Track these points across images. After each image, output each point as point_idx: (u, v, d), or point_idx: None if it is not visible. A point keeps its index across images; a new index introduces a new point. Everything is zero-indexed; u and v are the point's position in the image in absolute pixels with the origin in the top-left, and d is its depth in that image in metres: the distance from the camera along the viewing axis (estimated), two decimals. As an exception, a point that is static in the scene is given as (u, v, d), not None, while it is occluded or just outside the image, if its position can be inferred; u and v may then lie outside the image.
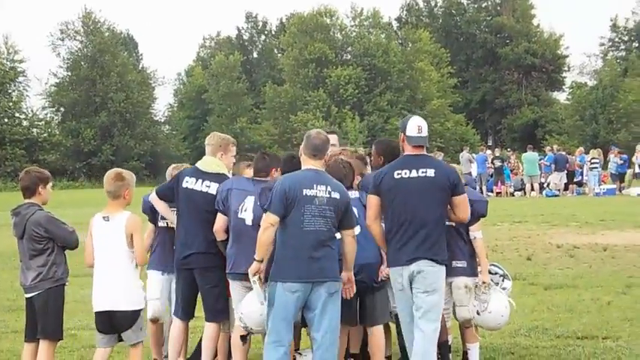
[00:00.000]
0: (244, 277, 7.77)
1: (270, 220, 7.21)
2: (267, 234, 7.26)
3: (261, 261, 7.39)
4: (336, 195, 7.34)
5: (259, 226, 7.43)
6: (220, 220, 8.27)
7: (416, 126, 7.79)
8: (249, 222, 7.97)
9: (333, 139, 9.09)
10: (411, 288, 7.51)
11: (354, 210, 8.01)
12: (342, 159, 8.55)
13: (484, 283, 8.50)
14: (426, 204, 7.53)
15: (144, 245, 7.96)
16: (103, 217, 7.84)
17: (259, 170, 8.28)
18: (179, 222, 8.60)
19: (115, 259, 7.74)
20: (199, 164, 8.73)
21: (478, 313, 8.50)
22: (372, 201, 7.65)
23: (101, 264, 7.83)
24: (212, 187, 8.45)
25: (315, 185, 7.29)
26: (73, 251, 8.16)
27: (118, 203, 7.85)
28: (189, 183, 8.53)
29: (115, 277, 7.73)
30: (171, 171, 9.51)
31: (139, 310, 7.93)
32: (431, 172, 7.59)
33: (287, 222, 7.22)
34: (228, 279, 8.21)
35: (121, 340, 7.95)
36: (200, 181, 8.50)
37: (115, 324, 7.79)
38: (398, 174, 7.57)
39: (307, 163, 7.52)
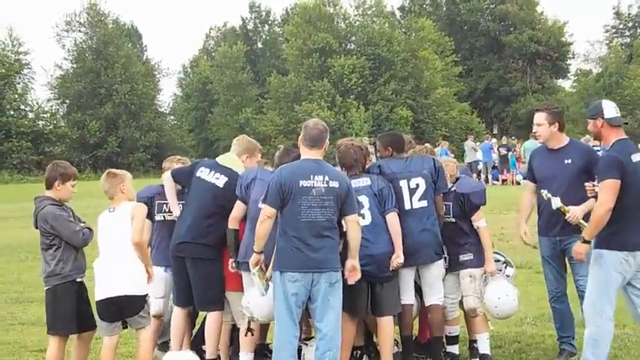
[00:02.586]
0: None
1: (267, 212, 7.28)
2: (265, 226, 7.32)
3: (261, 252, 7.48)
4: (334, 184, 7.33)
5: None
6: (238, 208, 8.31)
7: (612, 107, 7.76)
8: None
9: None
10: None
11: (365, 198, 8.07)
12: (354, 144, 8.57)
13: (488, 272, 8.53)
14: None
15: (141, 227, 7.95)
16: (109, 209, 8.02)
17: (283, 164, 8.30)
18: (184, 209, 8.64)
19: (121, 246, 7.82)
20: (219, 158, 8.81)
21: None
22: (616, 186, 7.42)
23: (107, 252, 7.90)
24: (220, 180, 8.51)
25: (312, 176, 7.29)
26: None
27: (120, 197, 8.02)
28: (202, 173, 8.62)
29: (122, 263, 7.80)
30: (166, 165, 9.52)
31: (146, 295, 7.99)
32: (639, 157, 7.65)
33: (285, 213, 7.27)
34: (240, 269, 8.23)
35: (125, 327, 7.99)
36: (213, 172, 8.59)
37: (122, 310, 7.84)
38: (634, 157, 7.56)
39: (305, 154, 7.51)
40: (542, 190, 8.49)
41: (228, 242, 8.32)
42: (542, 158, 8.82)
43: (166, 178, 8.83)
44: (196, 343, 8.81)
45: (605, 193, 7.43)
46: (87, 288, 8.21)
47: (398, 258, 8.08)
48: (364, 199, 8.13)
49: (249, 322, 8.19)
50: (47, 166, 8.40)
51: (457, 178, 8.86)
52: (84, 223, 8.14)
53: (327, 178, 7.31)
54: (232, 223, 8.32)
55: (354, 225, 7.48)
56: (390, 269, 8.11)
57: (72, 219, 8.08)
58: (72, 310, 7.99)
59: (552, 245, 8.78)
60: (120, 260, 7.81)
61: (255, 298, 7.82)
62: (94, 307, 8.13)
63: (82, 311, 8.07)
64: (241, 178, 8.39)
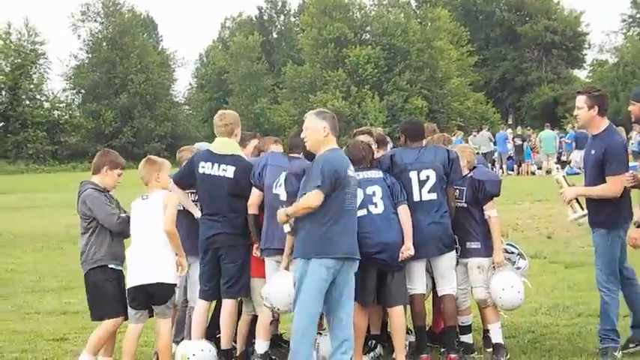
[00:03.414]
0: (277, 252, 7.90)
1: (319, 197, 7.11)
2: (311, 207, 7.18)
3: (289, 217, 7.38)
4: (355, 174, 7.50)
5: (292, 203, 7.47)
6: (255, 195, 8.34)
7: None
8: (283, 197, 7.98)
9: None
10: None
11: (378, 188, 8.10)
12: (362, 140, 8.60)
13: (496, 262, 8.51)
14: None
15: (173, 216, 7.93)
16: (142, 197, 8.05)
17: (295, 146, 8.29)
18: (202, 206, 8.65)
19: (153, 234, 7.85)
20: (213, 147, 8.71)
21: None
22: None
23: (138, 240, 7.93)
24: (229, 171, 8.46)
25: (349, 165, 7.42)
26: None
27: (154, 185, 8.05)
28: (205, 168, 8.53)
29: (154, 251, 7.83)
30: (180, 155, 9.53)
31: (174, 285, 8.03)
32: None
33: (330, 201, 7.18)
34: (263, 255, 8.27)
35: (151, 315, 8.01)
36: (217, 165, 8.50)
37: (152, 298, 7.86)
38: None
39: (334, 143, 7.50)
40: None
41: (250, 228, 8.36)
42: (587, 145, 8.72)
43: (172, 187, 8.63)
44: (211, 332, 8.82)
45: None
46: (123, 277, 8.21)
47: (408, 250, 8.09)
48: (377, 189, 8.14)
49: (275, 313, 8.24)
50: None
51: (474, 166, 8.84)
52: (125, 213, 8.15)
53: (351, 168, 7.45)
54: (252, 209, 8.35)
55: None
56: (400, 260, 8.12)
57: (109, 203, 8.10)
58: (114, 292, 8.01)
59: None
60: (152, 248, 7.84)
61: (277, 287, 7.85)
62: None
63: (123, 296, 8.08)
64: (254, 166, 8.39)
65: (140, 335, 8.19)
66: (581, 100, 8.30)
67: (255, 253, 8.40)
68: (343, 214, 7.26)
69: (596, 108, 8.27)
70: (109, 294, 8.03)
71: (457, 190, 8.59)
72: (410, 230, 8.13)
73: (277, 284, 7.86)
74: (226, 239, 8.38)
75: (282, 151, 8.79)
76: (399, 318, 8.22)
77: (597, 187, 8.11)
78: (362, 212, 7.96)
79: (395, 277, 8.19)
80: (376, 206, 8.08)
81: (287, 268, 7.90)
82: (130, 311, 7.99)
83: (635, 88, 7.92)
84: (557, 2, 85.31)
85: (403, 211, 8.17)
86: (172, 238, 7.90)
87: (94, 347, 8.03)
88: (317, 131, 7.41)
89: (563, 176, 8.38)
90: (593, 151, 8.28)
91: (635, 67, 69.15)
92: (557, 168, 8.42)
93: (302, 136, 7.62)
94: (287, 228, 7.53)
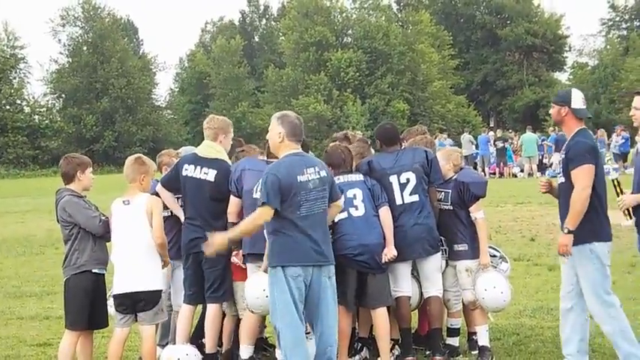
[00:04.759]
0: (260, 257, 7.83)
1: (266, 214, 6.97)
2: (259, 226, 7.18)
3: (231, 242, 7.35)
4: (324, 173, 7.24)
5: None
6: (233, 204, 8.30)
7: (580, 98, 7.61)
8: None
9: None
10: None
11: (359, 191, 8.08)
12: (340, 144, 8.59)
13: (482, 264, 8.51)
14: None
15: (162, 225, 7.91)
16: (123, 202, 7.94)
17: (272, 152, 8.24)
18: (184, 209, 8.62)
19: (138, 241, 7.80)
20: (198, 150, 8.70)
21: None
22: (592, 171, 7.36)
23: (123, 247, 7.85)
24: (210, 174, 8.44)
25: (305, 170, 7.13)
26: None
27: (136, 187, 7.95)
28: (188, 171, 8.52)
29: (138, 258, 7.77)
30: (160, 159, 9.50)
31: (161, 291, 7.98)
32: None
33: (284, 209, 7.00)
34: (247, 261, 8.24)
35: (136, 319, 7.95)
36: (199, 168, 8.49)
37: (137, 305, 7.80)
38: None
39: (292, 148, 7.26)
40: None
41: None
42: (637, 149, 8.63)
43: (160, 190, 8.70)
44: (196, 337, 8.79)
45: (585, 178, 7.34)
46: (105, 283, 8.14)
47: (390, 252, 8.08)
48: (357, 192, 8.14)
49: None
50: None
51: (461, 168, 8.85)
52: (105, 217, 8.06)
53: (317, 169, 7.20)
54: (231, 218, 8.31)
55: (338, 208, 7.59)
56: (382, 262, 8.11)
57: (89, 207, 8.02)
58: (84, 303, 7.91)
59: None
60: (138, 255, 7.78)
61: (249, 289, 7.86)
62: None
63: (96, 306, 8.01)
64: (231, 172, 8.35)
65: (126, 339, 8.11)
66: (638, 101, 8.22)
67: (234, 259, 8.37)
68: (304, 220, 7.04)
69: None
70: (79, 304, 7.92)
71: (442, 193, 8.60)
72: (391, 232, 8.13)
73: (250, 285, 7.87)
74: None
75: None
76: (382, 319, 8.20)
77: None
78: (343, 215, 7.97)
79: (376, 279, 8.17)
80: (357, 209, 8.09)
81: (266, 271, 7.81)
82: (117, 315, 7.94)
83: (559, 91, 7.87)
84: (537, 5, 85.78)
85: (384, 212, 8.18)
86: (163, 247, 7.89)
87: (63, 359, 7.96)
88: (274, 136, 7.26)
89: (617, 180, 8.05)
90: None
91: (615, 70, 69.55)
92: (610, 170, 8.24)
93: (266, 138, 7.52)
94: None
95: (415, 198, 8.36)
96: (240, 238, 7.35)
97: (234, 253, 8.34)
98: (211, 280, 8.42)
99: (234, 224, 8.17)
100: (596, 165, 7.39)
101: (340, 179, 8.04)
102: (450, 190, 8.57)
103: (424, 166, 8.43)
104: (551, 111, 7.80)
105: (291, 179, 7.03)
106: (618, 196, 7.87)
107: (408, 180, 8.36)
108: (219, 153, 8.59)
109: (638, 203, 7.77)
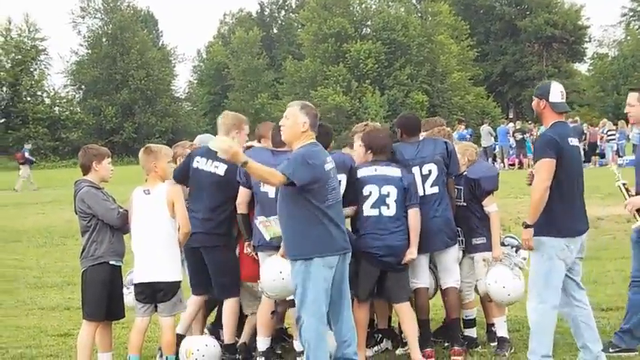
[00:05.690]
0: (271, 248, 7.82)
1: (282, 180, 6.86)
2: (268, 179, 7.04)
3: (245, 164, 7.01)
4: (334, 164, 7.28)
5: None
6: (242, 194, 8.25)
7: (559, 92, 7.53)
8: (272, 195, 7.81)
9: None
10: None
11: (394, 189, 8.03)
12: (383, 127, 8.53)
13: (494, 257, 8.51)
14: (582, 174, 7.60)
15: (186, 214, 7.90)
16: (144, 191, 7.91)
17: (279, 142, 8.12)
18: (192, 202, 8.54)
19: (158, 231, 7.78)
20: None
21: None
22: (551, 166, 7.26)
23: (143, 236, 7.85)
24: (220, 168, 8.40)
25: (327, 158, 7.17)
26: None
27: (154, 176, 7.92)
28: (199, 163, 8.51)
29: (159, 249, 7.77)
30: (175, 150, 9.51)
31: (180, 282, 8.00)
32: (577, 142, 7.54)
33: (314, 197, 6.98)
34: (258, 251, 8.22)
35: (156, 309, 7.98)
36: (210, 161, 8.46)
37: (157, 294, 7.82)
38: (571, 141, 7.41)
39: (311, 138, 7.21)
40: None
41: (240, 227, 8.33)
42: None
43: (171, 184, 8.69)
44: (216, 329, 8.83)
45: (543, 171, 7.28)
46: (122, 274, 8.16)
47: (411, 254, 8.06)
48: (392, 190, 8.03)
49: (275, 305, 8.22)
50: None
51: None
52: (122, 209, 8.09)
53: (329, 159, 7.22)
54: (240, 209, 8.28)
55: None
56: (403, 262, 8.09)
57: (107, 199, 8.02)
58: (102, 294, 7.90)
59: None
60: (158, 245, 7.77)
61: (265, 272, 7.82)
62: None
63: (114, 298, 8.01)
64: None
65: (147, 329, 8.13)
66: (633, 98, 8.16)
67: (246, 250, 8.36)
68: (331, 209, 7.05)
69: None
70: (96, 296, 7.92)
71: (455, 190, 8.59)
72: (417, 235, 8.07)
73: (266, 268, 7.83)
74: (203, 239, 8.33)
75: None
76: (408, 313, 8.19)
77: None
78: (374, 212, 7.96)
79: (397, 276, 8.15)
80: (388, 208, 8.00)
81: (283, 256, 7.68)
82: (137, 304, 7.95)
83: (540, 84, 7.82)
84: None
85: (413, 214, 8.07)
86: (188, 237, 7.92)
87: (82, 349, 8.00)
88: (297, 124, 7.15)
89: (624, 184, 8.07)
90: None
91: (636, 60, 69.13)
92: (619, 176, 8.22)
93: (280, 123, 7.33)
94: (267, 235, 7.57)
95: (435, 190, 8.32)
96: (251, 172, 7.07)
97: (246, 244, 8.34)
98: (214, 277, 8.45)
99: (243, 215, 8.22)
100: (560, 158, 7.27)
101: (377, 171, 8.02)
102: (462, 187, 8.59)
103: (444, 157, 8.39)
104: (533, 104, 7.79)
105: (322, 168, 7.04)
106: (626, 199, 7.88)
107: (430, 171, 8.32)
108: None
109: None
